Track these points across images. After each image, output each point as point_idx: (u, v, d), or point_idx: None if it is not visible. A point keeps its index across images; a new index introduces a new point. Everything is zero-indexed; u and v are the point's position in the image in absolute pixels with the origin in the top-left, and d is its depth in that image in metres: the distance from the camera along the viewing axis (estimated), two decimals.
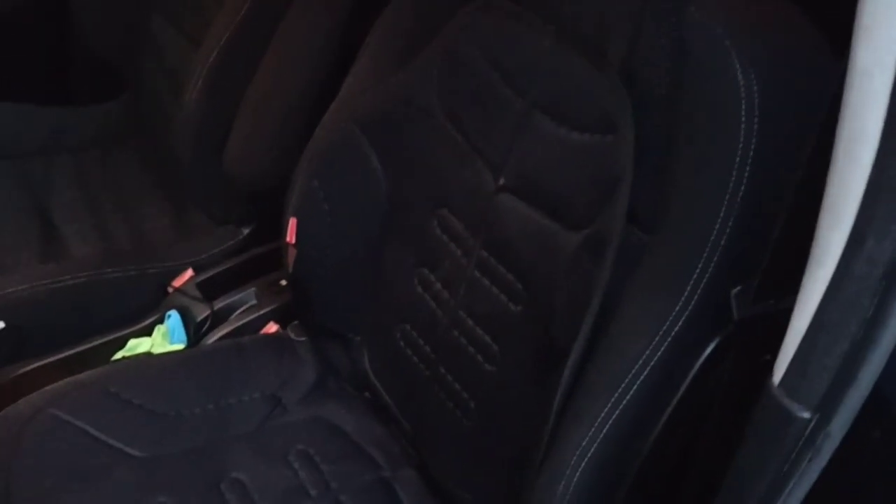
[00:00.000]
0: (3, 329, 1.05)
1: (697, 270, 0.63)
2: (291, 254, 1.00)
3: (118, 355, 1.13)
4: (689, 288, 0.63)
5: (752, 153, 0.59)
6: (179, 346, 1.14)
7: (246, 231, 1.26)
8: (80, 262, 1.17)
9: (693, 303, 0.64)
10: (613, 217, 0.70)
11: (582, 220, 0.74)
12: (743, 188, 0.60)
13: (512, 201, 0.81)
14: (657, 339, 0.65)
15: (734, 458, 0.56)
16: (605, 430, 0.67)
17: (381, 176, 0.94)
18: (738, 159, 0.60)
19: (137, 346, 1.14)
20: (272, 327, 1.15)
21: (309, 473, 0.95)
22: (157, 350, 1.13)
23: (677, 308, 0.65)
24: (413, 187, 0.93)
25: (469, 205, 0.86)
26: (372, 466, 0.98)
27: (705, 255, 0.63)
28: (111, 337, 1.14)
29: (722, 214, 0.61)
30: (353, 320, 1.04)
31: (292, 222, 0.98)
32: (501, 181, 0.82)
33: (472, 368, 0.87)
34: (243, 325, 1.14)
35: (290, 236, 0.98)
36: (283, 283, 1.19)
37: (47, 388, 0.95)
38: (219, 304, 1.17)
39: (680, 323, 0.64)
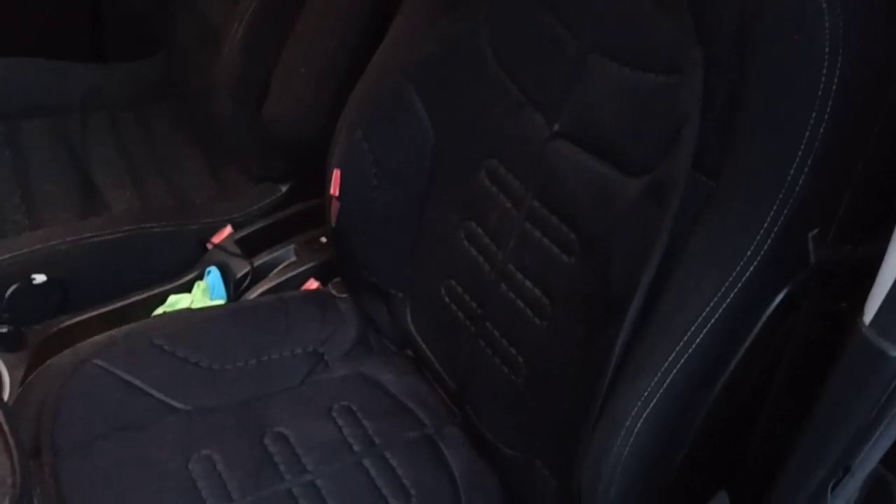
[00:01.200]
0: (45, 282, 1.04)
1: (771, 214, 0.60)
2: (334, 207, 0.98)
3: (158, 311, 1.12)
4: (761, 232, 0.60)
5: (835, 87, 0.56)
6: (219, 303, 1.13)
7: (284, 188, 1.24)
8: (120, 216, 1.16)
9: (766, 248, 0.61)
10: (678, 162, 0.67)
11: (643, 166, 0.71)
12: (824, 126, 0.57)
13: (567, 148, 0.78)
14: (725, 286, 0.63)
15: (814, 407, 0.53)
16: (668, 381, 0.64)
17: (427, 125, 0.92)
18: (819, 94, 0.56)
19: (177, 302, 1.14)
20: (313, 284, 1.13)
21: (352, 429, 0.94)
22: (198, 306, 1.12)
23: (748, 254, 0.62)
24: (461, 136, 0.90)
25: (520, 154, 0.83)
26: (415, 424, 0.97)
27: (780, 197, 0.60)
28: (151, 293, 1.13)
29: (800, 154, 0.58)
30: (395, 276, 1.02)
31: (336, 174, 0.96)
32: (556, 127, 0.79)
33: (521, 324, 0.85)
34: (283, 281, 1.13)
35: (334, 188, 0.96)
36: (323, 240, 1.17)
37: (91, 339, 0.94)
38: (258, 261, 1.15)
39: (751, 269, 0.61)
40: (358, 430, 0.94)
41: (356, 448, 0.92)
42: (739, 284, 0.62)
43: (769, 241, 0.61)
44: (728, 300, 0.62)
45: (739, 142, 0.63)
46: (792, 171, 0.59)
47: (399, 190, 0.96)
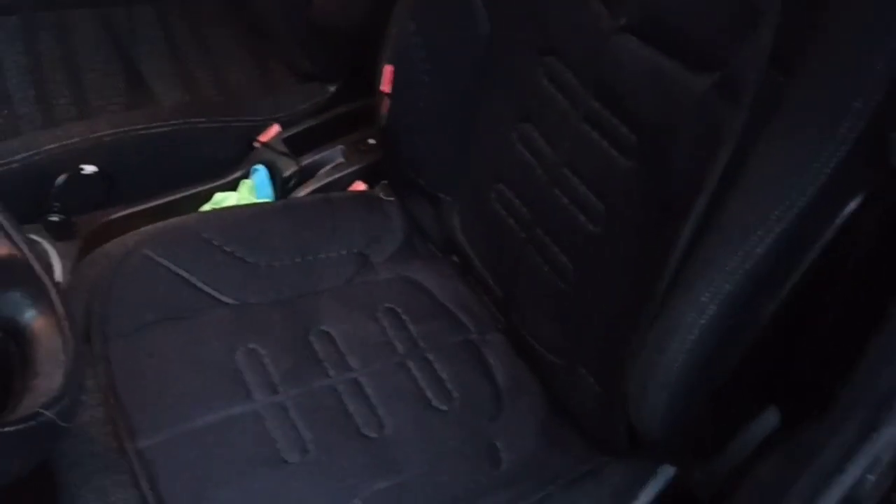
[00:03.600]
0: (94, 173, 1.04)
1: (852, 113, 0.56)
2: (385, 105, 0.96)
3: (205, 208, 1.12)
4: (841, 132, 0.57)
5: None
6: (266, 201, 1.12)
7: (332, 88, 1.22)
8: (168, 110, 1.15)
9: (843, 149, 0.57)
10: (753, 56, 0.63)
11: (713, 61, 0.67)
12: None
13: (632, 43, 0.74)
14: (798, 189, 0.59)
15: (881, 325, 0.51)
16: (728, 287, 0.62)
17: (483, 18, 0.88)
18: None
19: (224, 199, 1.13)
20: (360, 186, 1.12)
21: (396, 331, 0.94)
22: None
23: (825, 155, 0.58)
24: (518, 32, 0.86)
25: (581, 50, 0.80)
26: (459, 328, 0.96)
27: (863, 95, 0.56)
28: (198, 189, 1.13)
29: (888, 48, 0.54)
30: (444, 179, 1.00)
31: (387, 70, 0.93)
32: (622, 21, 0.74)
33: (573, 229, 0.83)
34: (330, 182, 1.12)
35: (385, 85, 0.94)
36: (371, 141, 1.15)
37: (139, 229, 0.94)
38: (305, 161, 1.14)
39: (826, 172, 0.58)
40: (402, 331, 0.94)
41: (400, 349, 0.92)
42: (811, 189, 0.59)
43: (848, 142, 0.57)
44: (799, 204, 0.59)
45: (821, 38, 0.59)
46: (879, 66, 0.55)
47: (452, 88, 0.93)
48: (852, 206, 0.59)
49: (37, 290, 0.63)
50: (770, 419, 0.79)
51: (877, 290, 0.55)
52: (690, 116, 0.68)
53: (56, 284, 0.64)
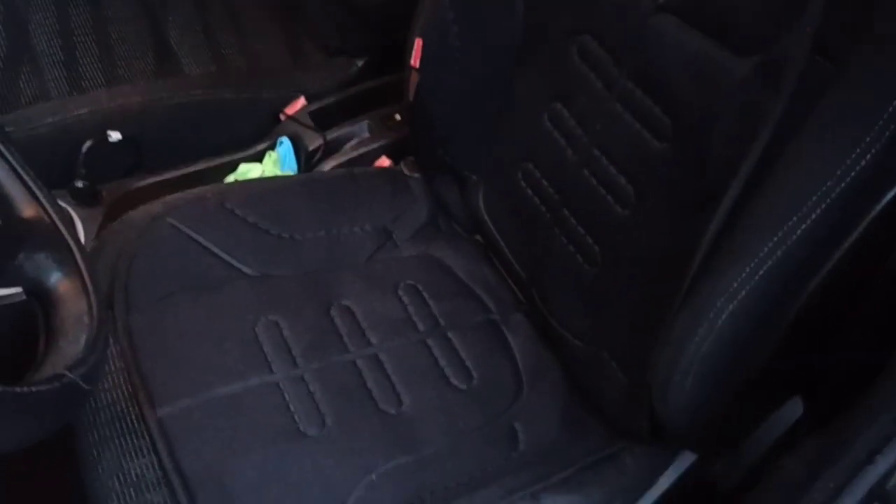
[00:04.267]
0: (120, 141, 1.04)
1: None
2: (413, 79, 0.94)
3: (229, 179, 1.12)
4: (884, 118, 0.55)
5: None
6: (290, 174, 1.12)
7: (360, 63, 1.21)
8: (195, 79, 1.15)
9: (884, 138, 0.56)
10: (798, 41, 0.61)
11: (757, 44, 0.65)
12: None
13: (671, 23, 0.72)
14: (834, 178, 0.58)
15: None
16: (760, 273, 0.61)
17: None
18: None
19: (248, 171, 1.13)
20: (385, 162, 1.11)
21: (418, 308, 0.93)
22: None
23: (863, 145, 0.57)
24: (553, 8, 0.85)
25: (618, 29, 0.78)
26: (481, 308, 0.96)
27: None
28: (223, 160, 1.13)
29: None
30: (471, 157, 0.99)
31: (417, 43, 0.92)
32: (660, 0, 0.73)
33: (601, 212, 0.82)
34: (355, 157, 1.11)
35: (415, 59, 0.92)
36: (398, 117, 1.14)
37: (164, 198, 0.94)
38: (331, 135, 1.13)
39: (868, 157, 0.56)
40: (423, 309, 0.93)
41: (420, 327, 0.91)
42: (849, 178, 0.58)
43: (887, 132, 0.56)
44: (839, 189, 0.57)
45: (871, 20, 0.58)
46: None
47: (483, 64, 0.92)
48: (890, 195, 0.57)
49: (63, 254, 0.63)
50: (794, 410, 0.78)
51: None
52: (729, 100, 0.67)
53: (82, 248, 0.64)
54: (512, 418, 0.85)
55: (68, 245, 0.63)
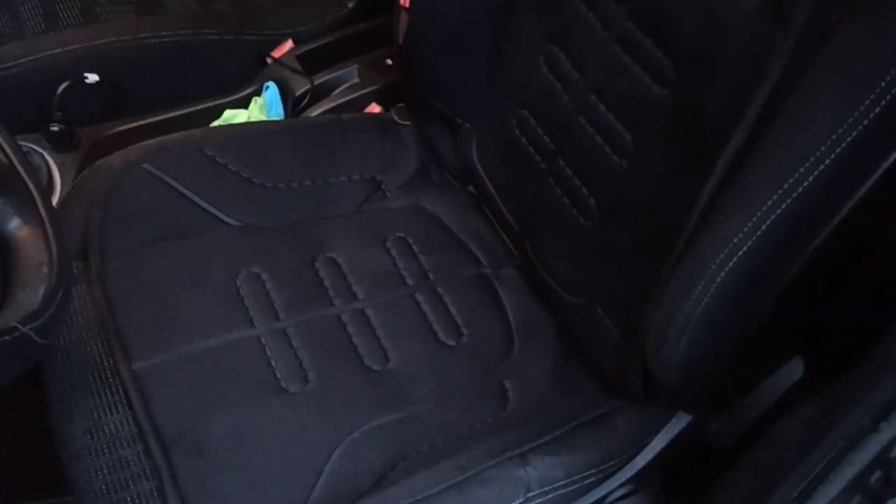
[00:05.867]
0: (98, 83, 1.00)
1: None
2: (403, 21, 0.90)
3: (213, 125, 1.08)
4: (892, 73, 0.51)
5: None
6: (275, 119, 1.08)
7: (350, 4, 1.16)
8: (177, 18, 1.09)
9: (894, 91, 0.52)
10: None
11: None
12: None
13: None
14: (841, 130, 0.54)
15: None
16: (763, 227, 0.57)
17: None
18: None
19: (233, 117, 1.09)
20: (375, 108, 1.07)
21: (406, 262, 0.90)
22: None
23: (873, 95, 0.53)
24: None
25: None
26: (472, 262, 0.92)
27: None
28: (206, 105, 1.09)
29: None
30: (463, 104, 0.95)
31: None
32: None
33: (598, 161, 0.78)
34: (344, 102, 1.07)
35: None
36: (389, 62, 1.10)
37: (140, 143, 0.90)
38: (319, 79, 1.09)
39: (881, 104, 0.52)
40: (412, 262, 0.90)
41: (409, 281, 0.88)
42: (857, 131, 0.54)
43: None
44: (842, 147, 0.53)
45: None
46: None
47: (475, 5, 0.87)
48: None
49: (23, 199, 0.59)
50: (794, 370, 0.75)
51: None
52: (735, 40, 0.62)
53: (44, 194, 0.60)
54: (502, 376, 0.82)
55: (29, 190, 0.60)
